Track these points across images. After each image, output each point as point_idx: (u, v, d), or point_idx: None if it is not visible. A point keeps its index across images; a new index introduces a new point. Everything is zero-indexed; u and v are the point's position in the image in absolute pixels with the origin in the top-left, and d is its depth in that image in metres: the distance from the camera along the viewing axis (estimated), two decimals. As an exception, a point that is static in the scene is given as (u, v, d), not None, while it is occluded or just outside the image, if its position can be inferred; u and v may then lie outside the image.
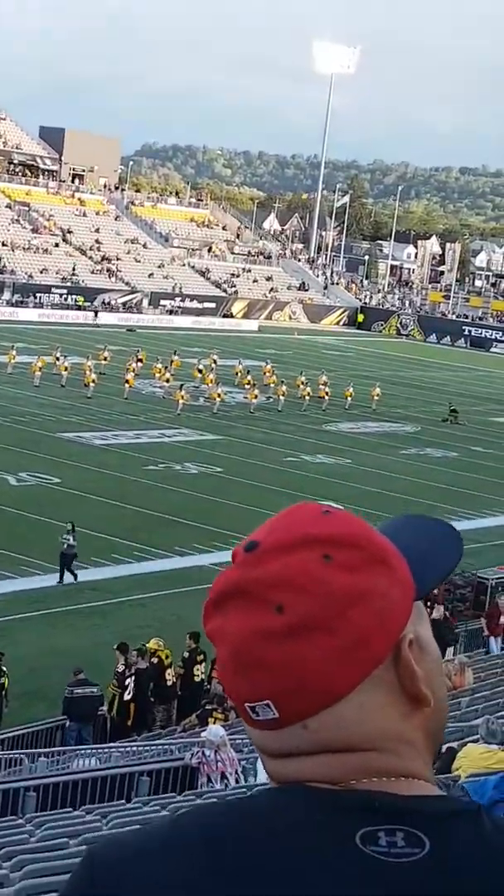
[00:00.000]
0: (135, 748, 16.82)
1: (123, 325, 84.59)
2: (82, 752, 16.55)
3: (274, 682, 1.16)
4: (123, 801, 12.23)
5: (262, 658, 1.17)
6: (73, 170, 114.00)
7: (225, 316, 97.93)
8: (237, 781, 13.17)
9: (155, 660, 19.82)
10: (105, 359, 58.13)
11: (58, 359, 55.04)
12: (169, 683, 19.88)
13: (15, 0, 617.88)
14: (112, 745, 17.47)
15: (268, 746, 1.21)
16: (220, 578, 1.24)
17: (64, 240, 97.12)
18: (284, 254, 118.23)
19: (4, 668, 19.53)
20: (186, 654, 20.21)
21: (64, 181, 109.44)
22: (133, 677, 19.11)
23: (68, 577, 27.22)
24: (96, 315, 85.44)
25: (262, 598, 1.18)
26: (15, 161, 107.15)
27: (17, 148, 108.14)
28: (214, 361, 62.66)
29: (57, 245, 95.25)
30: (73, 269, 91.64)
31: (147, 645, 20.10)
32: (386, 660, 1.19)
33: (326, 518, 1.22)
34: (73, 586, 27.27)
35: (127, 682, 19.08)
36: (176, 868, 1.12)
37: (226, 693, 1.25)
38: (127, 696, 19.04)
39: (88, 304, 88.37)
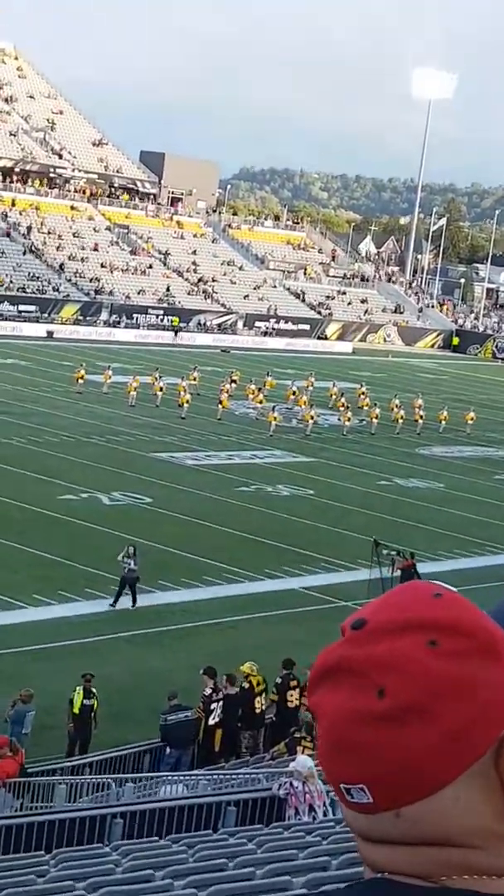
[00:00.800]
0: (222, 776, 16.63)
1: (218, 346, 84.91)
2: (169, 778, 16.41)
3: (369, 766, 1.13)
4: (210, 830, 12.05)
5: (359, 740, 1.13)
6: (172, 193, 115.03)
7: (319, 338, 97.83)
8: (325, 814, 12.92)
9: (246, 684, 19.55)
10: (195, 379, 58.34)
11: (156, 379, 55.37)
12: (258, 710, 19.59)
13: (116, 28, 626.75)
14: (199, 772, 17.29)
15: (361, 829, 1.18)
16: (326, 652, 1.19)
17: (162, 262, 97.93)
18: (380, 276, 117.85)
19: (94, 690, 19.45)
20: (279, 680, 19.93)
21: (163, 204, 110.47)
22: (220, 702, 18.90)
23: (126, 603, 26.61)
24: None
25: (365, 678, 1.14)
26: (116, 185, 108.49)
27: (118, 172, 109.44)
28: (311, 384, 62.52)
29: (151, 266, 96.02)
30: (168, 290, 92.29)
31: (241, 668, 19.82)
32: (486, 754, 1.13)
33: (437, 601, 1.18)
34: (163, 608, 27.23)
35: (213, 707, 18.89)
36: None
37: (322, 770, 1.20)
38: (212, 722, 18.83)
39: (184, 324, 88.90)
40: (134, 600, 26.75)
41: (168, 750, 18.61)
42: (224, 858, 9.85)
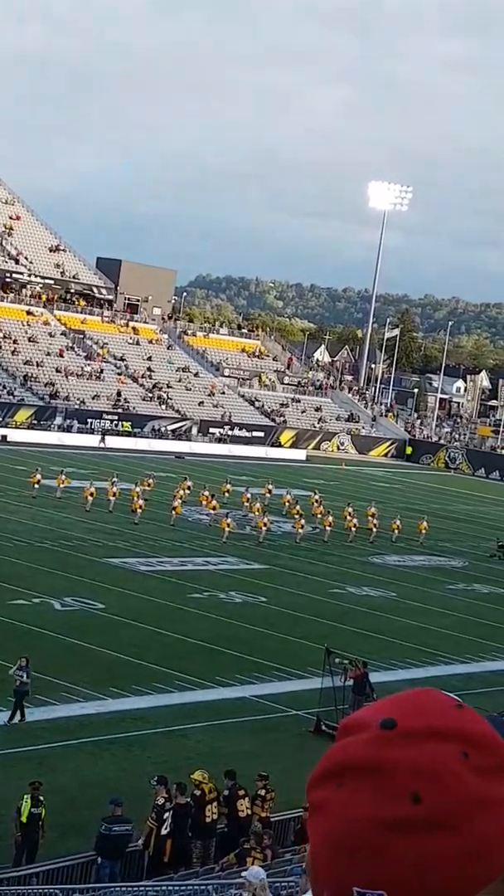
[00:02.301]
0: (170, 887, 16.40)
1: (172, 452, 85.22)
2: (117, 889, 16.15)
3: (392, 873, 1.08)
4: (158, 943, 11.89)
5: (385, 846, 1.09)
6: (129, 300, 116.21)
7: (273, 445, 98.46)
8: (276, 926, 12.78)
9: (198, 792, 19.32)
10: (149, 485, 58.48)
11: (113, 484, 55.45)
12: (209, 820, 19.37)
13: (74, 137, 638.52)
14: (147, 883, 17.05)
15: None
16: (345, 749, 1.15)
17: (117, 368, 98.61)
18: (334, 385, 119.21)
19: (42, 799, 19.18)
20: (227, 792, 19.75)
21: (119, 311, 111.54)
22: (171, 812, 18.70)
23: (18, 716, 25.61)
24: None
25: (398, 783, 1.10)
26: (72, 290, 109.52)
27: (74, 278, 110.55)
28: (269, 491, 62.80)
29: (102, 371, 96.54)
30: (119, 395, 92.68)
31: (192, 776, 19.63)
32: (500, 876, 1.11)
33: (461, 713, 1.18)
34: (114, 715, 26.98)
35: (165, 817, 18.68)
36: None
37: (318, 871, 1.13)
38: (164, 832, 18.61)
39: (138, 430, 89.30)
40: (21, 715, 25.66)
41: (99, 860, 18.30)
42: None
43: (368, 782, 1.11)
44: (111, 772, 23.30)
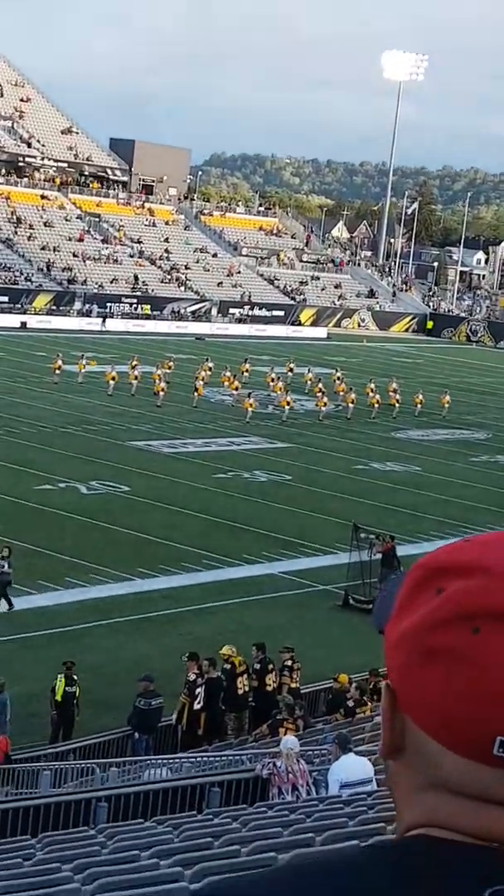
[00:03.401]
0: (206, 758, 16.75)
1: (192, 334, 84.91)
2: (153, 762, 16.52)
3: None
4: (195, 812, 12.17)
5: None
6: (143, 180, 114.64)
7: (293, 324, 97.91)
8: (308, 794, 13.06)
9: (228, 666, 19.71)
10: (170, 367, 58.28)
11: (134, 367, 55.37)
12: (241, 692, 19.74)
13: (89, 15, 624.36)
14: (183, 755, 17.42)
15: (487, 789, 1.10)
16: (476, 593, 1.10)
17: (134, 250, 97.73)
18: (353, 261, 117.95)
19: (76, 677, 19.57)
20: (258, 665, 20.11)
21: (134, 192, 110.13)
22: (203, 686, 19.03)
23: (3, 606, 25.60)
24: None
25: None
26: (86, 173, 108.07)
27: (87, 160, 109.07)
28: (291, 370, 62.68)
29: (116, 252, 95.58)
30: (136, 279, 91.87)
31: (220, 651, 19.97)
32: None
33: None
34: (143, 595, 27.33)
35: (197, 692, 19.01)
36: None
37: (448, 717, 1.08)
38: (197, 706, 18.96)
39: (158, 312, 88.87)
40: (9, 603, 25.68)
41: (136, 735, 18.69)
42: (209, 838, 9.96)
43: None
44: (142, 650, 23.66)
